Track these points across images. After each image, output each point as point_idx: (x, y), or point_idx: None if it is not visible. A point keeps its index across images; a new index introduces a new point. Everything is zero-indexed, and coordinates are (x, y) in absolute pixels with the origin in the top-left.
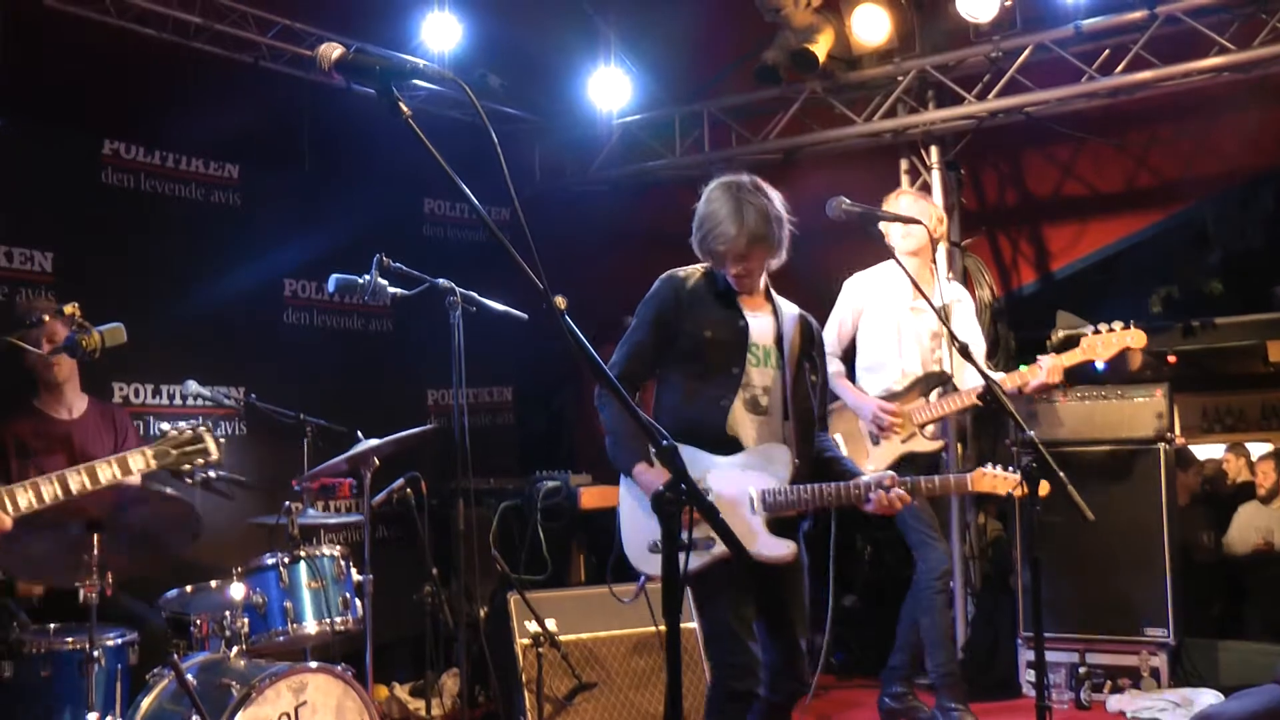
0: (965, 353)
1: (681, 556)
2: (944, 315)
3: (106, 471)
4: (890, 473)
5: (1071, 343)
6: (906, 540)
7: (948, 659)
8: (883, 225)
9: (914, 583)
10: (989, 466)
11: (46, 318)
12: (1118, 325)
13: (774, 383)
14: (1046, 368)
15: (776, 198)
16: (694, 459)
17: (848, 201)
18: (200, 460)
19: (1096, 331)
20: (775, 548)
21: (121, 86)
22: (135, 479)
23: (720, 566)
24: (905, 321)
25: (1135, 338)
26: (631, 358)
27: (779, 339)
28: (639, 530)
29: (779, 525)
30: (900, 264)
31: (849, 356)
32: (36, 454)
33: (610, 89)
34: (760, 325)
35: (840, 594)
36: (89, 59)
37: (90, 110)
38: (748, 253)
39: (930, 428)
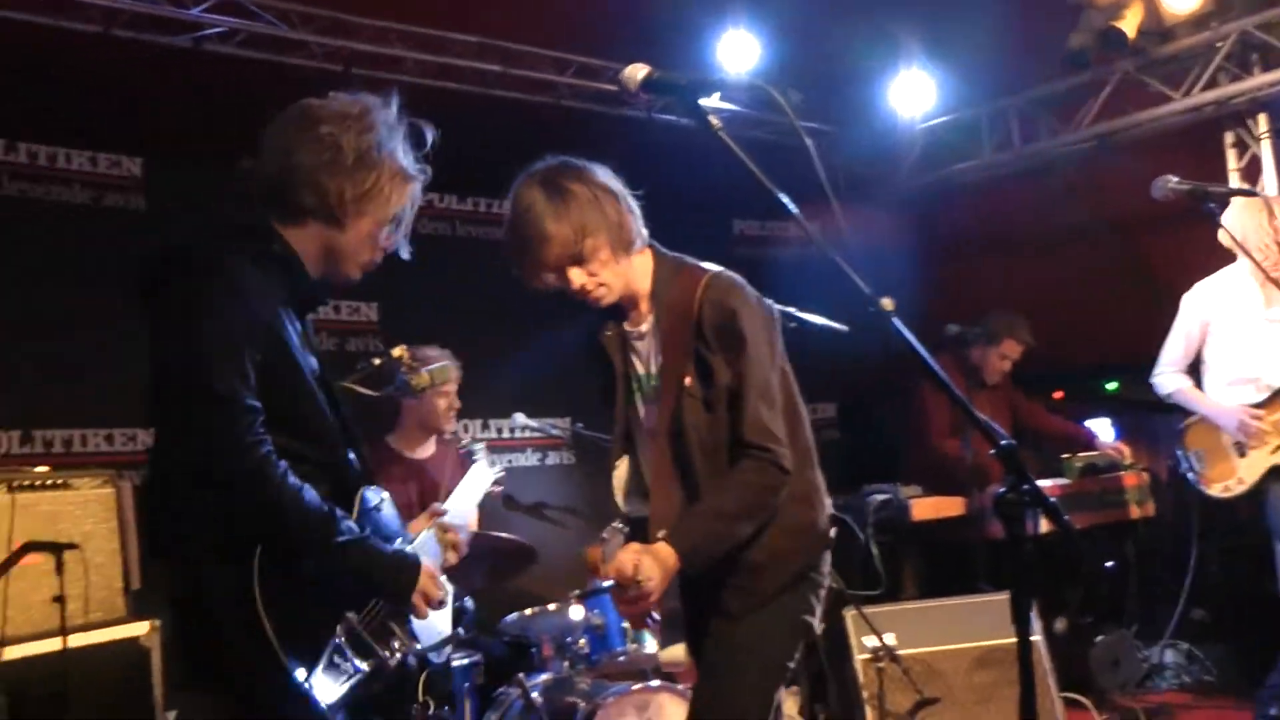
0: None
1: None
2: None
3: None
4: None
5: None
6: None
7: None
8: (1227, 224)
9: None
10: None
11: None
12: None
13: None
14: None
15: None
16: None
17: (1175, 180)
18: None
19: None
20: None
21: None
22: None
23: None
24: (1260, 331)
25: None
26: None
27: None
28: None
29: None
30: (1248, 253)
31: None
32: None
33: (912, 94)
34: (643, 348)
35: (1189, 608)
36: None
37: None
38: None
39: None
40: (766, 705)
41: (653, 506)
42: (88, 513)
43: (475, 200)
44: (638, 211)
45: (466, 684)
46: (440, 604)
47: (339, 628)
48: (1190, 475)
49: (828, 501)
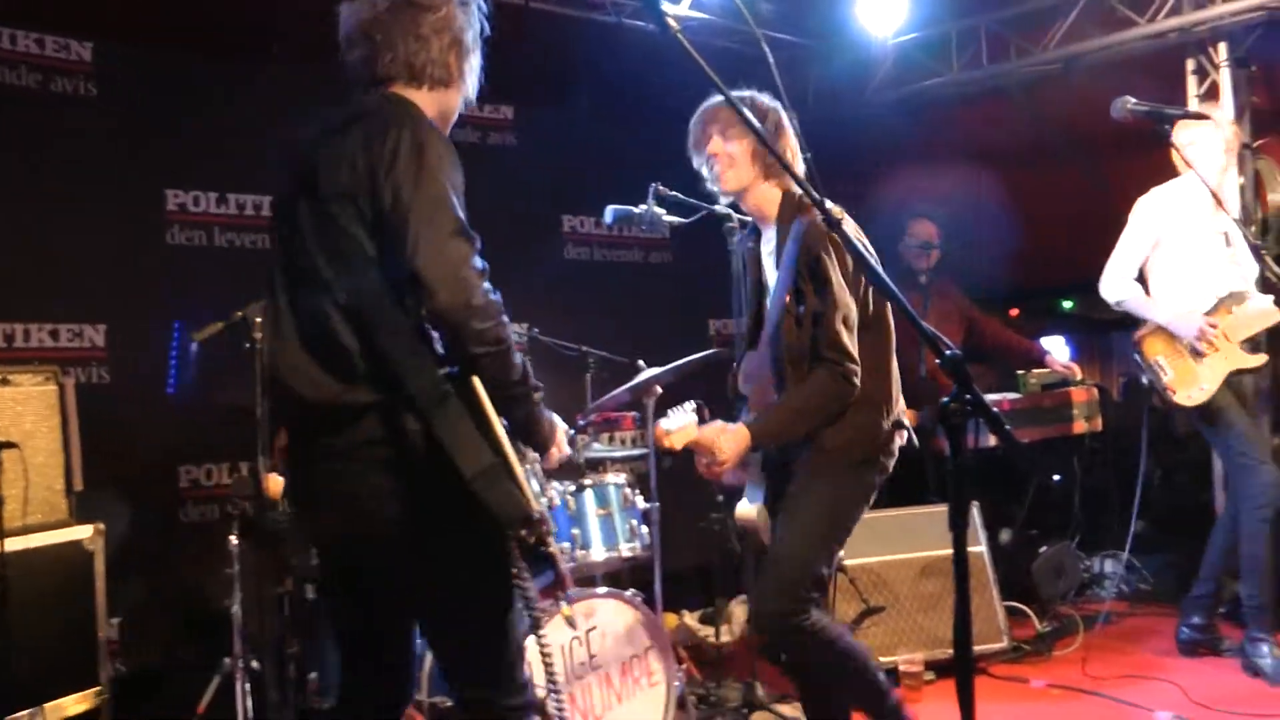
0: (1258, 254)
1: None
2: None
3: None
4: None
5: None
6: (1227, 465)
7: (1263, 588)
8: (1179, 141)
9: (1231, 509)
10: None
11: None
12: None
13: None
14: None
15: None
16: None
17: (1133, 101)
18: None
19: None
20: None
21: None
22: None
23: None
24: (1208, 240)
25: None
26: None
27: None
28: None
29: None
30: (1198, 173)
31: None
32: None
33: (883, 9)
34: (770, 259)
35: (1136, 521)
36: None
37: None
38: None
39: (1246, 344)
40: (829, 554)
41: (752, 394)
42: (29, 410)
43: None
44: (794, 151)
45: None
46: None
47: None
48: (1155, 384)
49: (898, 409)
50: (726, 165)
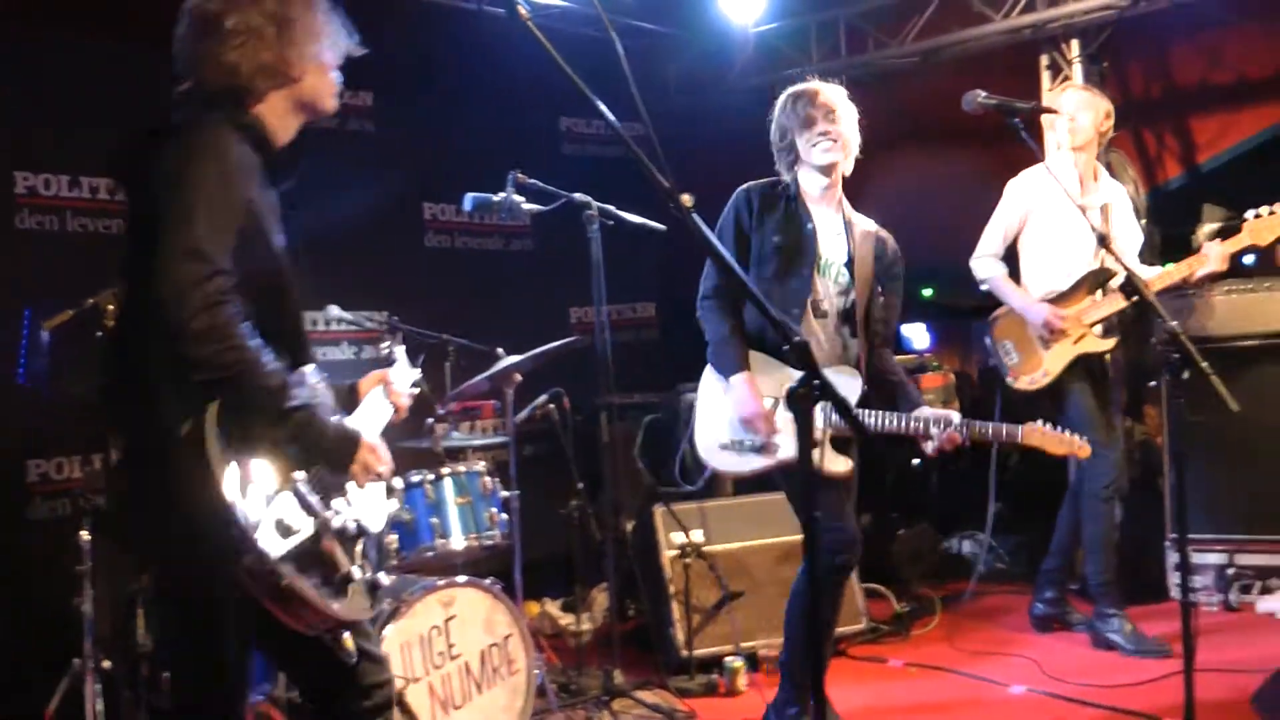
0: (1107, 246)
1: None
2: (1104, 214)
3: None
4: (952, 412)
5: (1231, 230)
6: None
7: (1107, 566)
8: (1046, 121)
9: (1076, 489)
10: (1043, 424)
11: None
12: (1279, 207)
13: (838, 295)
14: (1214, 255)
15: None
16: (773, 367)
17: (984, 94)
18: None
19: (1258, 216)
20: (837, 464)
21: None
22: None
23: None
24: (1071, 221)
25: None
26: (711, 272)
27: (850, 253)
28: (713, 428)
29: (838, 443)
30: (1048, 168)
31: (1010, 259)
32: None
33: None
34: (829, 236)
35: (991, 502)
36: None
37: None
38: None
39: (1100, 326)
40: None
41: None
42: None
43: None
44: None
45: None
46: (379, 476)
47: (287, 486)
48: (1000, 366)
49: None
50: (838, 136)
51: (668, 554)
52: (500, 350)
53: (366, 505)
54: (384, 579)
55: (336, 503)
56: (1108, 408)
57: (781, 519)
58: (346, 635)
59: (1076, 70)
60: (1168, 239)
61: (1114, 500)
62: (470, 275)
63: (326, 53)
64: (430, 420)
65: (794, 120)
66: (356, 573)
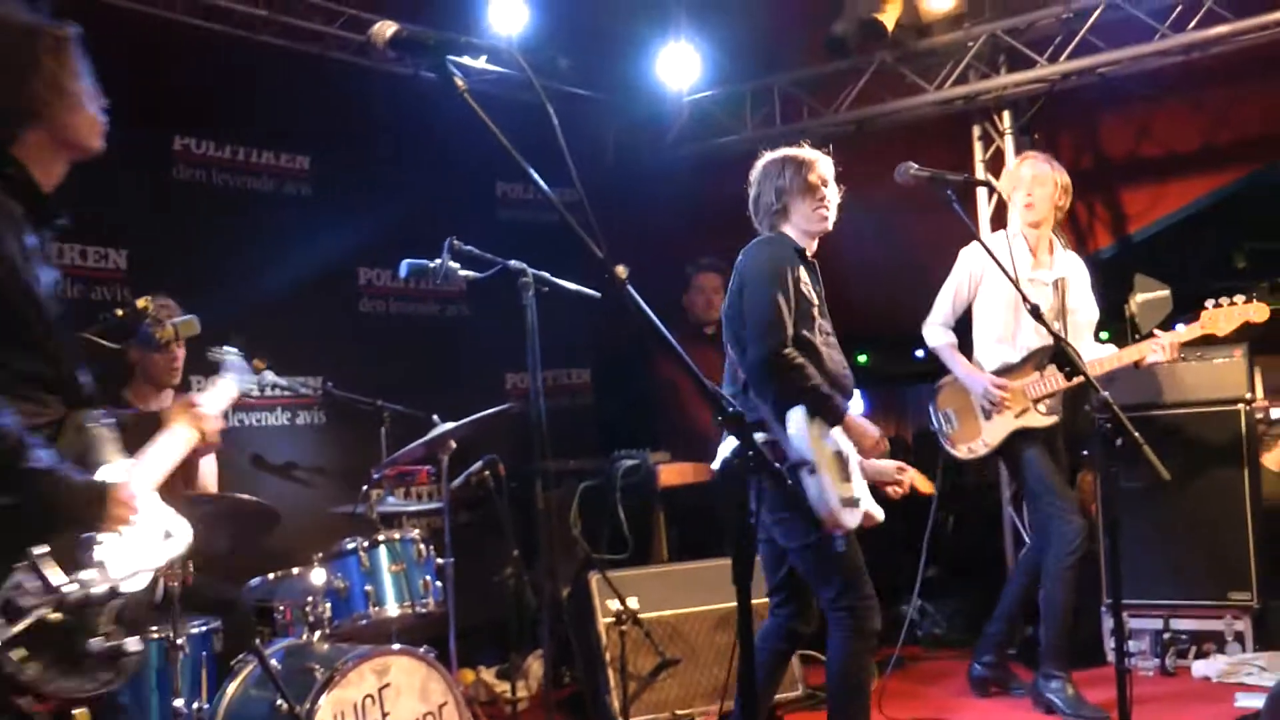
0: (1037, 315)
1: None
2: (1060, 287)
3: None
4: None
5: (1190, 319)
6: (1035, 514)
7: (1063, 630)
8: (1007, 194)
9: (1034, 554)
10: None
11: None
12: (1239, 299)
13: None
14: (1167, 345)
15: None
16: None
17: (915, 166)
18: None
19: (1217, 304)
20: (878, 510)
21: (190, 82)
22: None
23: None
24: (1027, 291)
25: (1257, 311)
26: (787, 320)
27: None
28: (836, 486)
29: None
30: (983, 244)
31: (961, 329)
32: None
33: (680, 66)
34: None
35: (926, 566)
36: (157, 56)
37: (160, 107)
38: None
39: (1045, 403)
40: None
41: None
42: None
43: (234, 148)
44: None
45: (204, 652)
46: (138, 525)
47: (21, 563)
48: (940, 433)
49: None
50: (829, 207)
51: (603, 621)
52: (435, 417)
53: (127, 563)
54: (132, 645)
55: (86, 573)
56: (1063, 473)
57: (717, 585)
58: (79, 711)
59: (1008, 142)
60: (1101, 307)
61: (1078, 566)
62: (405, 341)
63: (79, 87)
64: (365, 487)
65: (793, 185)
66: (96, 644)
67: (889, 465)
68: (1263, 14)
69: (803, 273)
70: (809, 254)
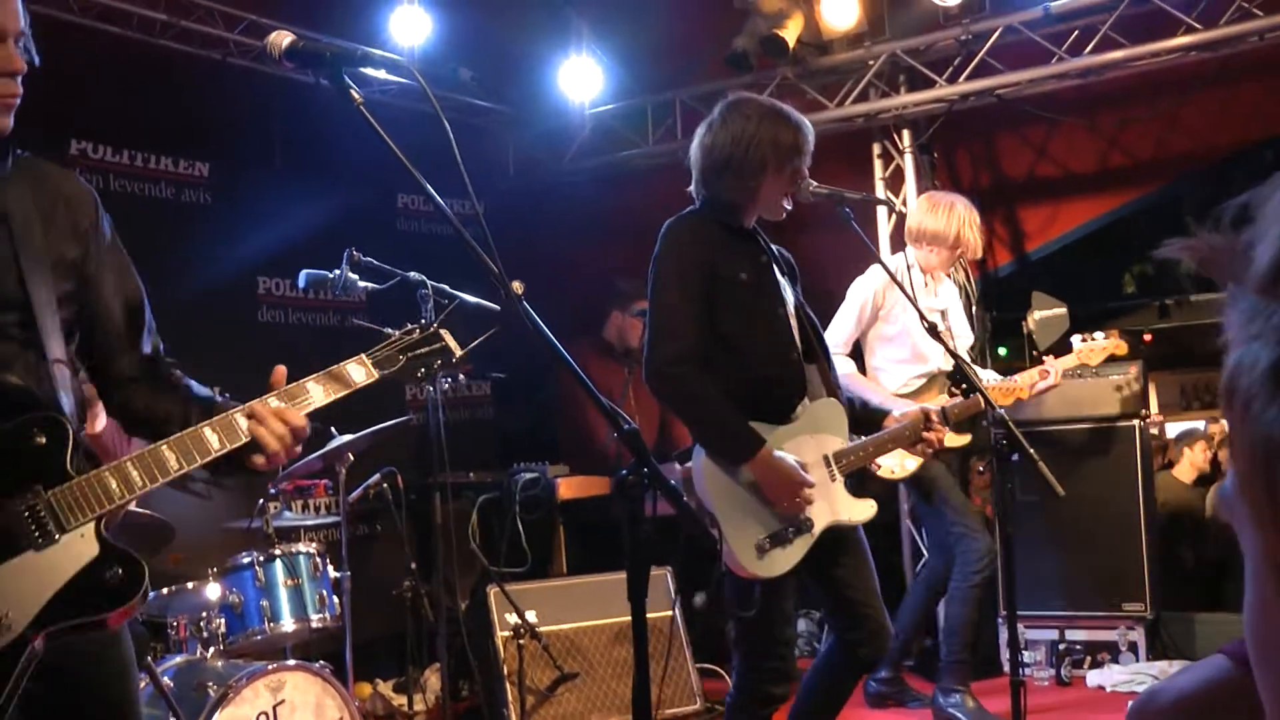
0: (936, 335)
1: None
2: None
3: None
4: (928, 406)
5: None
6: (938, 533)
7: (965, 645)
8: (930, 228)
9: (935, 572)
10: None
11: None
12: (1099, 335)
13: (795, 322)
14: (1055, 372)
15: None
16: (765, 431)
17: (814, 184)
18: (438, 363)
19: (1084, 340)
20: (862, 509)
21: (87, 86)
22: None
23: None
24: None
25: (1118, 346)
26: (690, 325)
27: (784, 273)
28: (744, 533)
29: (852, 482)
30: (883, 265)
31: (856, 352)
32: None
33: (581, 79)
34: (771, 261)
35: None
36: (53, 57)
37: (56, 110)
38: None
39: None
40: None
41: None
42: None
43: (133, 154)
44: None
45: None
46: None
47: None
48: None
49: None
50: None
51: (502, 635)
52: (333, 429)
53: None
54: None
55: None
56: (966, 489)
57: (615, 599)
58: None
59: (907, 160)
60: (998, 324)
61: (985, 585)
62: (304, 351)
63: None
64: (261, 500)
65: (778, 157)
66: None
67: (907, 420)
68: (1156, 41)
69: (730, 253)
70: (745, 224)
